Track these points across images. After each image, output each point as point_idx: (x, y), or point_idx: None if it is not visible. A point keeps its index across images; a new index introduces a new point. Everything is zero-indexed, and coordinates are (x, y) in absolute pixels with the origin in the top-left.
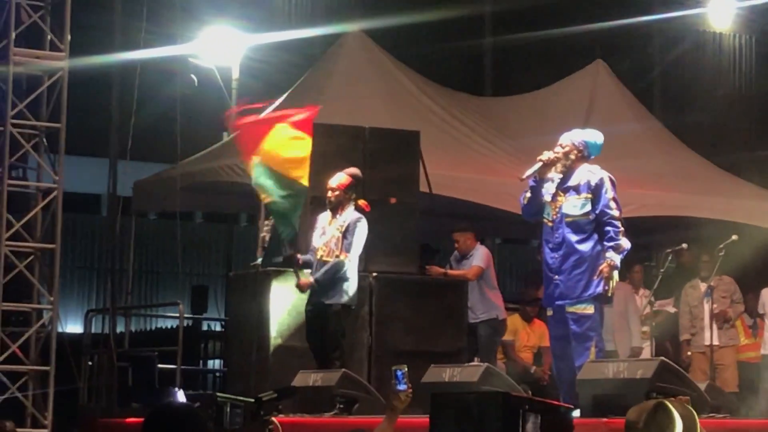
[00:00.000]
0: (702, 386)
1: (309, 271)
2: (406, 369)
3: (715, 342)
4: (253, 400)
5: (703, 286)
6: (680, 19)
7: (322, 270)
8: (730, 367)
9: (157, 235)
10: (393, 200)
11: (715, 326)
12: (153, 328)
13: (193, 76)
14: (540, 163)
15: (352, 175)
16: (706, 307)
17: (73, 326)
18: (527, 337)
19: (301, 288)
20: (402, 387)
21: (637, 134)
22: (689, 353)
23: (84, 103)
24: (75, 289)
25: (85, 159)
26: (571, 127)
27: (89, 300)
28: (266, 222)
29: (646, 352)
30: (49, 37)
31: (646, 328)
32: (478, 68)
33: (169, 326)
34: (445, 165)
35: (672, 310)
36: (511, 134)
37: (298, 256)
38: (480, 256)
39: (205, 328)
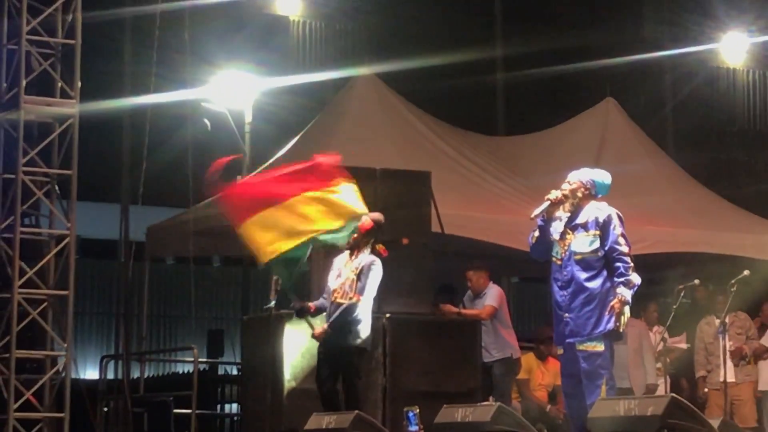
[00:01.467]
0: (716, 422)
1: (325, 313)
2: (418, 410)
3: (732, 378)
4: None
5: (717, 323)
6: (692, 55)
7: (336, 314)
8: (748, 402)
9: (174, 280)
10: (405, 241)
11: (730, 363)
12: (169, 372)
13: (206, 120)
14: (548, 202)
15: (375, 221)
16: (722, 343)
17: (92, 373)
18: (542, 375)
19: (317, 338)
20: (414, 428)
21: (649, 171)
22: (706, 390)
23: (95, 149)
24: (93, 336)
25: (100, 205)
26: (582, 166)
27: (107, 347)
28: None
29: (661, 390)
30: (59, 84)
31: (659, 365)
32: (490, 108)
33: (185, 371)
34: (457, 205)
35: (684, 346)
36: (523, 173)
37: (309, 304)
38: (493, 295)
39: (221, 372)
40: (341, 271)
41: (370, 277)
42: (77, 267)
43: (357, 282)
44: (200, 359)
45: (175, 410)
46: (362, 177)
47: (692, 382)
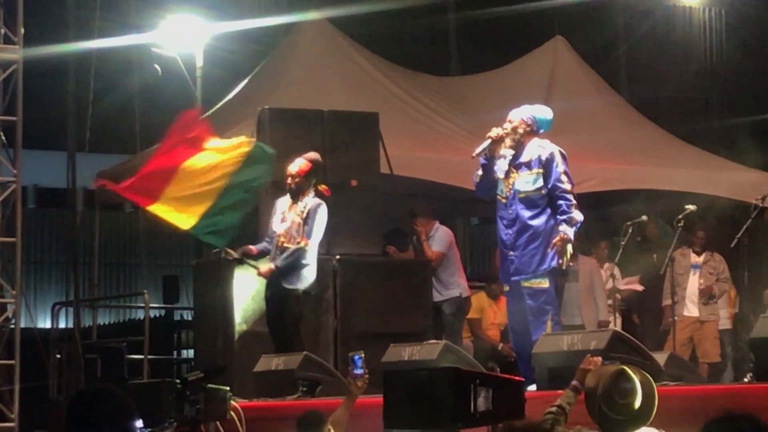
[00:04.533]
0: (664, 356)
1: (268, 257)
2: (363, 354)
3: (696, 314)
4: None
5: (693, 257)
6: None
7: (283, 256)
8: (710, 338)
9: (129, 227)
10: (354, 183)
11: (697, 300)
12: (125, 320)
13: (156, 65)
14: (489, 140)
15: (312, 161)
16: (692, 278)
17: (48, 321)
18: (494, 314)
19: (263, 276)
20: (359, 371)
21: (599, 109)
22: (670, 319)
23: (41, 96)
24: (51, 285)
25: (52, 153)
26: (532, 104)
27: (62, 295)
28: None
29: (613, 326)
30: (2, 30)
31: (611, 302)
32: (442, 49)
33: (140, 317)
34: (406, 146)
35: (639, 288)
36: (472, 113)
37: (251, 247)
38: (440, 239)
39: (177, 318)
40: (285, 215)
41: (317, 220)
42: (33, 216)
43: (303, 226)
44: (155, 305)
45: (130, 356)
46: (310, 119)
47: (644, 317)
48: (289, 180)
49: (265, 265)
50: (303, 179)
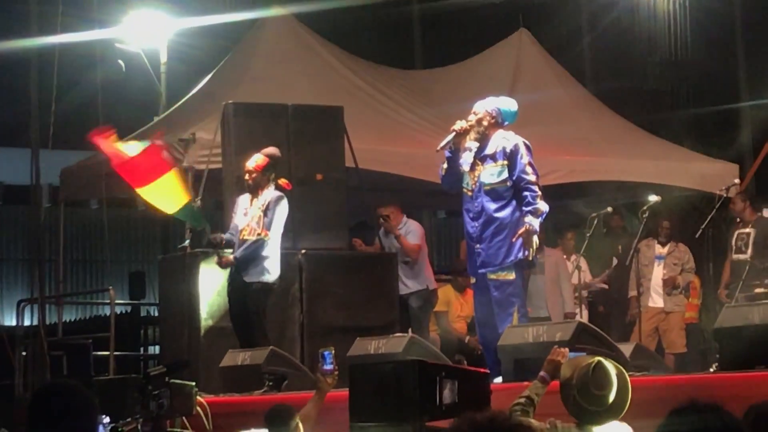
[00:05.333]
0: (630, 347)
1: (231, 250)
2: (333, 350)
3: (661, 305)
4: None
5: (658, 248)
6: None
7: (242, 247)
8: (675, 329)
9: (95, 224)
10: (320, 177)
11: (662, 291)
12: (91, 316)
13: (120, 61)
14: (453, 133)
15: (270, 155)
16: (656, 269)
17: (12, 319)
18: (460, 307)
19: (221, 265)
20: (329, 367)
21: (563, 101)
22: (636, 311)
23: (2, 91)
24: (18, 282)
25: (16, 150)
26: (496, 96)
27: (27, 292)
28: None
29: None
30: None
31: (577, 295)
32: (406, 42)
33: (106, 314)
34: (371, 139)
35: (605, 287)
36: (437, 105)
37: (221, 235)
38: (415, 231)
39: (144, 314)
40: (247, 210)
41: (277, 212)
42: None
43: (264, 218)
44: (121, 302)
45: (96, 353)
46: (274, 114)
47: (609, 308)
48: (246, 176)
49: (226, 255)
50: (260, 174)
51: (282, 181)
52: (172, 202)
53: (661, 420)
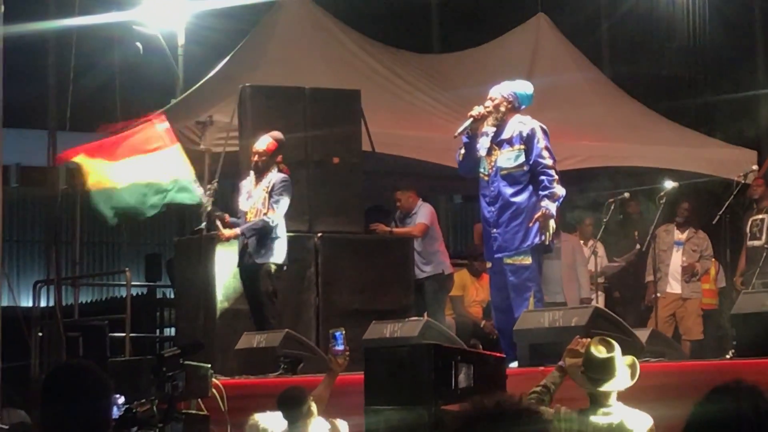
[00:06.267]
0: (646, 333)
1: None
2: (344, 331)
3: (678, 290)
4: (205, 362)
5: (677, 233)
6: None
7: (250, 224)
8: (693, 315)
9: None
10: (336, 160)
11: (680, 277)
12: (108, 297)
13: (138, 43)
14: (471, 119)
15: (278, 140)
16: (675, 255)
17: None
18: (476, 292)
19: (225, 238)
20: (340, 347)
21: (581, 86)
22: (653, 295)
23: (21, 73)
24: (34, 263)
25: (34, 132)
26: (513, 80)
27: (43, 273)
28: (209, 186)
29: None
30: None
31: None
32: (424, 27)
33: (122, 296)
34: (388, 123)
35: (623, 264)
36: (454, 90)
37: (227, 216)
38: (424, 213)
39: (159, 296)
40: (251, 192)
41: (283, 192)
42: (15, 195)
43: (269, 198)
44: (137, 283)
45: (112, 334)
46: (291, 97)
47: (625, 293)
48: (256, 158)
49: (229, 231)
50: (270, 157)
51: (282, 167)
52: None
53: (678, 405)
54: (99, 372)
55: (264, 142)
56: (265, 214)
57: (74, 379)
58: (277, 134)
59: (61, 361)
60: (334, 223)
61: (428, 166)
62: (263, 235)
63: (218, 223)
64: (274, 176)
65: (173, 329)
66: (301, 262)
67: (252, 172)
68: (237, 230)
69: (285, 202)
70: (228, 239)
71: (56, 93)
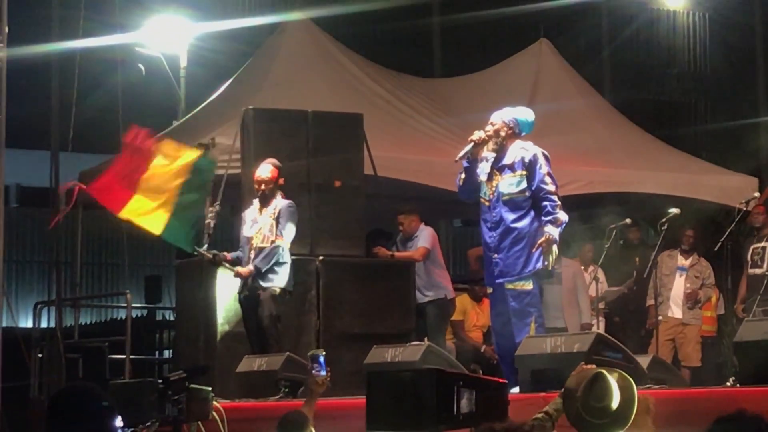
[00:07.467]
0: (647, 359)
1: (242, 264)
2: (324, 353)
3: (679, 315)
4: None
5: (681, 259)
6: None
7: (261, 256)
8: (692, 342)
9: (113, 227)
10: (338, 184)
11: (681, 303)
12: (107, 319)
13: (140, 65)
14: (471, 144)
15: (278, 166)
16: (678, 280)
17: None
18: (476, 316)
19: (242, 277)
20: (323, 373)
21: (583, 111)
22: (654, 319)
23: (25, 95)
24: (34, 284)
25: (35, 153)
26: (515, 106)
27: (43, 294)
28: (211, 209)
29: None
30: None
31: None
32: (426, 51)
33: (122, 317)
34: (390, 147)
35: (623, 290)
36: (456, 114)
37: (225, 254)
38: (425, 236)
39: (159, 318)
40: (256, 219)
41: (289, 218)
42: (16, 215)
43: (277, 224)
44: (137, 305)
45: (111, 356)
46: (294, 120)
47: (626, 319)
48: (263, 186)
49: (245, 267)
50: (274, 184)
51: (280, 193)
52: (154, 223)
53: (706, 427)
54: (103, 394)
55: (266, 170)
56: (272, 241)
57: (79, 401)
58: (275, 161)
59: (64, 384)
60: (336, 246)
61: (429, 189)
62: (272, 260)
63: (227, 266)
64: (280, 203)
65: (172, 351)
66: (302, 286)
67: (255, 201)
68: (250, 267)
69: (292, 228)
70: (246, 277)
71: (59, 114)
